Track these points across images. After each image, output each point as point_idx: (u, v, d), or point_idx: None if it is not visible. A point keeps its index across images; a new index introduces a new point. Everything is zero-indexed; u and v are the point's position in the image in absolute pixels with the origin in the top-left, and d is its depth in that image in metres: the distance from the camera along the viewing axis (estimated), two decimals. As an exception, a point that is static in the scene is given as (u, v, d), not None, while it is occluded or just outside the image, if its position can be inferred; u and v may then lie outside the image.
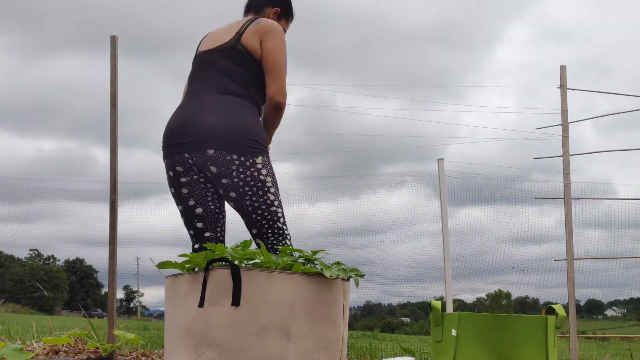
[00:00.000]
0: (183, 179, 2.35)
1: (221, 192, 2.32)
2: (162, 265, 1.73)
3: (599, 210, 9.56)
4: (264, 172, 2.28)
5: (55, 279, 50.66)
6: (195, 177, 2.34)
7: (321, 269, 1.67)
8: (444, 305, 5.10)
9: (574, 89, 4.43)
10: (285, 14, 2.68)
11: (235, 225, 2.40)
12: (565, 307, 3.22)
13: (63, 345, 3.38)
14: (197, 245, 2.41)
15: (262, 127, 2.39)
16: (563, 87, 4.37)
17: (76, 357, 3.20)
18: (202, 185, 2.35)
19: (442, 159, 5.59)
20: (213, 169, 2.26)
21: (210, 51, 2.46)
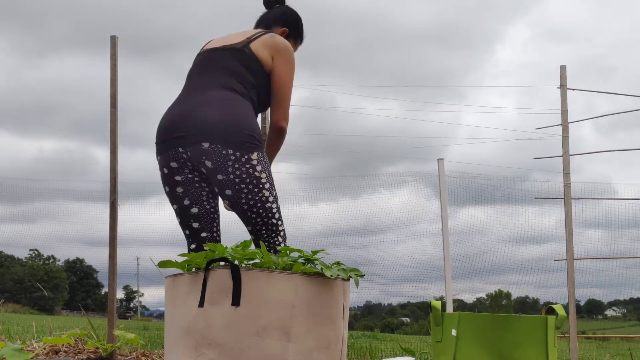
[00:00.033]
0: (177, 177, 2.33)
1: (216, 189, 2.29)
2: (163, 264, 1.73)
3: (599, 210, 9.56)
4: (259, 168, 2.26)
5: (55, 279, 50.63)
6: (190, 175, 2.32)
7: (321, 269, 1.67)
8: (444, 305, 5.10)
9: (574, 89, 4.43)
10: (294, 36, 2.66)
11: (231, 226, 2.39)
12: (565, 307, 3.23)
13: (63, 345, 3.38)
14: (193, 246, 2.38)
15: (257, 123, 2.38)
16: (563, 87, 4.37)
17: (76, 357, 3.20)
18: (196, 185, 2.33)
19: (442, 159, 5.59)
20: (208, 163, 2.24)
21: (216, 49, 2.46)
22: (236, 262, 1.66)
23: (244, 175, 2.23)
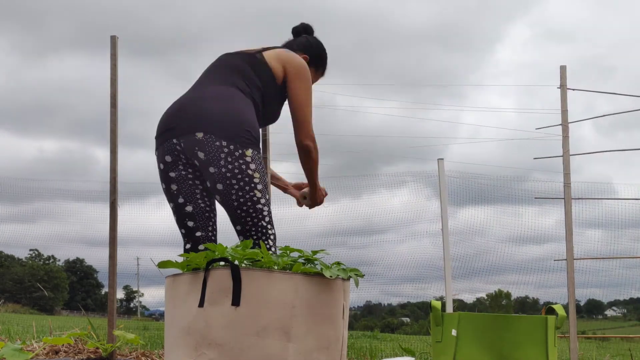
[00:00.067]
0: (172, 174, 2.30)
1: (208, 184, 2.25)
2: (163, 264, 1.73)
3: (599, 210, 9.55)
4: (252, 166, 2.22)
5: (55, 279, 50.65)
6: (183, 172, 2.29)
7: (321, 269, 1.67)
8: (444, 305, 5.10)
9: (574, 89, 4.43)
10: (315, 65, 2.64)
11: (228, 225, 2.37)
12: (565, 307, 3.23)
13: (63, 345, 3.38)
14: (188, 246, 2.35)
15: (257, 121, 2.36)
16: (563, 87, 4.38)
17: (76, 357, 3.20)
18: (190, 182, 2.30)
19: (442, 159, 5.59)
20: (201, 154, 2.20)
21: (230, 53, 2.49)
22: (236, 262, 1.66)
23: (236, 171, 2.19)
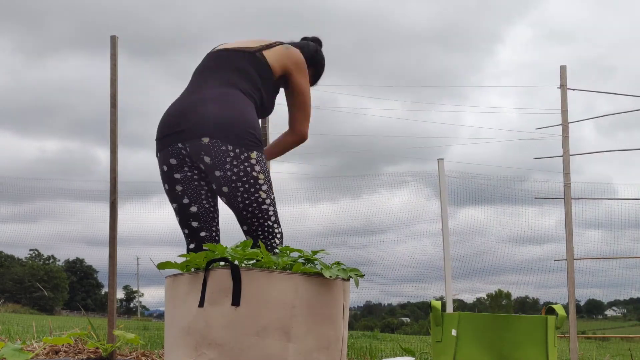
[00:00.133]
0: (177, 175, 2.31)
1: (214, 186, 2.27)
2: (162, 265, 1.73)
3: (599, 210, 9.55)
4: (257, 168, 2.24)
5: (55, 279, 50.63)
6: (189, 173, 2.30)
7: (321, 269, 1.67)
8: (444, 305, 5.10)
9: (574, 89, 4.44)
10: (309, 67, 2.67)
11: (231, 226, 2.37)
12: (565, 307, 3.23)
13: (63, 345, 3.38)
14: (192, 245, 2.37)
15: (258, 122, 2.38)
16: (563, 87, 4.38)
17: (76, 357, 3.20)
18: (195, 183, 2.32)
19: (442, 159, 5.60)
20: (207, 159, 2.22)
21: (228, 49, 2.47)
22: (236, 262, 1.66)
23: (242, 174, 2.22)
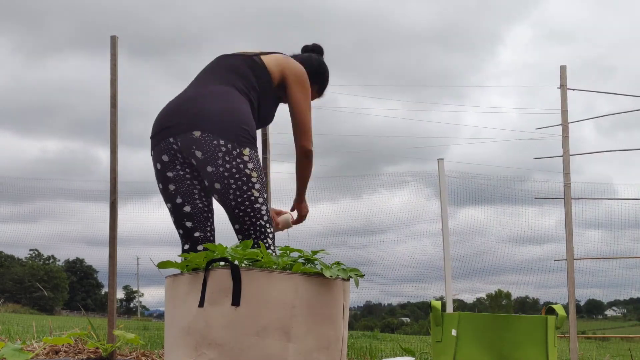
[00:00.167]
0: (169, 174, 2.28)
1: (206, 183, 2.24)
2: (162, 265, 1.73)
3: (599, 211, 9.54)
4: (250, 165, 2.21)
5: (55, 279, 50.64)
6: (181, 172, 2.27)
7: (321, 269, 1.67)
8: (444, 305, 5.10)
9: (574, 89, 4.44)
10: (312, 81, 2.60)
11: (227, 225, 2.36)
12: (565, 307, 3.23)
13: (63, 345, 3.38)
14: (186, 246, 2.33)
15: (254, 121, 2.35)
16: (563, 87, 4.38)
17: (76, 357, 3.20)
18: (188, 182, 2.28)
19: (442, 159, 5.59)
20: (198, 153, 2.18)
21: (228, 54, 2.49)
22: (236, 262, 1.66)
23: (234, 170, 2.18)
